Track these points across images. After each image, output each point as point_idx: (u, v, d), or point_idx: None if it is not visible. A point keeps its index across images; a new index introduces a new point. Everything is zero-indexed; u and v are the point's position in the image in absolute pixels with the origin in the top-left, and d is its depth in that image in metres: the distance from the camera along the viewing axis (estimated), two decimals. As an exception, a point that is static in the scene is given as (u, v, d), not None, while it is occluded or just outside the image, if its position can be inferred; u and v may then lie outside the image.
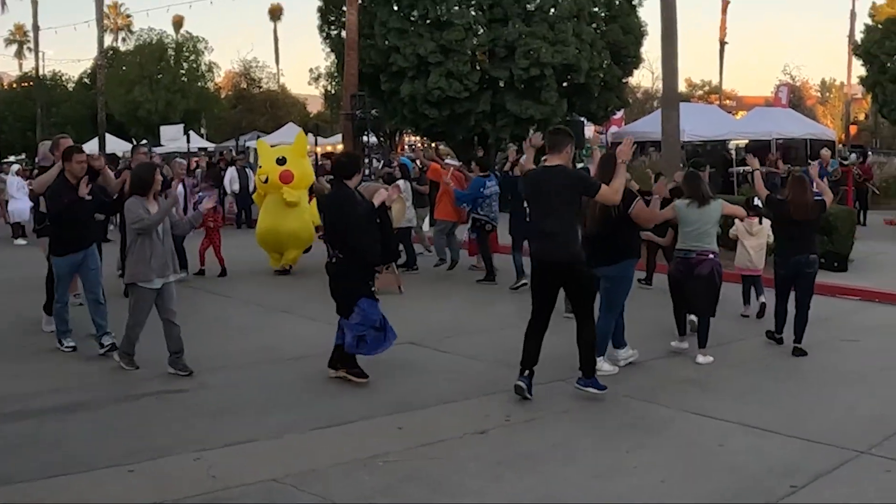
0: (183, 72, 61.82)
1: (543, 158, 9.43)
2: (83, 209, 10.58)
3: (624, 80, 37.46)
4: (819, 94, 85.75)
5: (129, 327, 9.79)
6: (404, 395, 8.97)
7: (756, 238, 13.49)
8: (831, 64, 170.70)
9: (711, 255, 10.81)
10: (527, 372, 8.93)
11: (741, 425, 8.18)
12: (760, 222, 13.43)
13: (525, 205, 12.67)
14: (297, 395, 9.04)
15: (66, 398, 8.80)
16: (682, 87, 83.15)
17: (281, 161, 16.53)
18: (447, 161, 20.34)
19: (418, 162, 21.09)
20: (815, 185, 11.92)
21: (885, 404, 9.05)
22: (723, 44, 74.11)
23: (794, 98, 65.98)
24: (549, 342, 10.73)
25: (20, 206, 25.45)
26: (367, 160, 32.15)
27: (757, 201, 13.19)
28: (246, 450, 7.40)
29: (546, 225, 8.91)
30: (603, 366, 9.81)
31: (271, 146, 18.95)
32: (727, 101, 74.63)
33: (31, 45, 73.24)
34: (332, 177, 10.41)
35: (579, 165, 14.18)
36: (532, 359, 8.96)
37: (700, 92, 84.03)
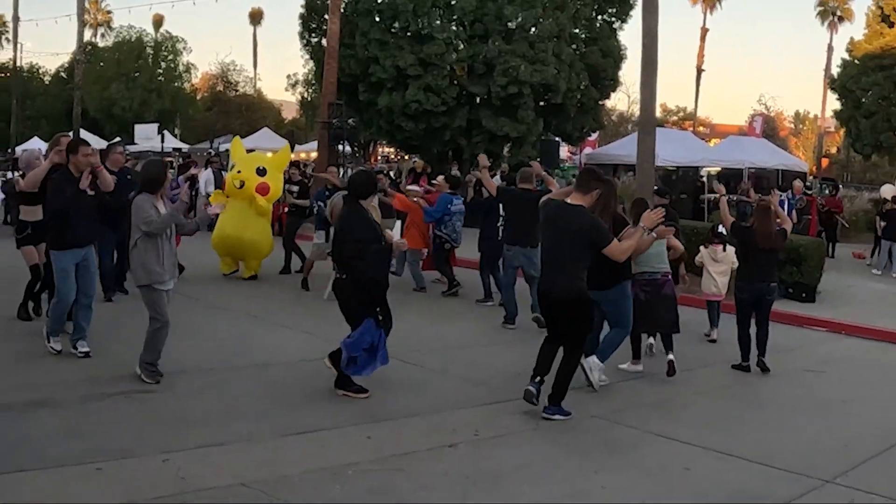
0: (160, 71, 61.73)
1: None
2: (86, 202, 10.52)
3: (601, 103, 37.67)
4: (793, 126, 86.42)
5: (155, 331, 9.51)
6: (373, 407, 8.97)
7: (720, 265, 13.64)
8: (806, 96, 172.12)
9: (669, 276, 11.28)
10: (538, 378, 9.06)
11: (707, 450, 8.25)
12: (724, 249, 13.56)
13: (505, 225, 12.92)
14: (265, 401, 9.01)
15: (32, 395, 8.71)
16: (657, 112, 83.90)
17: (261, 172, 16.24)
18: (410, 187, 20.19)
19: (385, 181, 20.97)
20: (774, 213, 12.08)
21: (849, 435, 9.17)
22: (700, 71, 74.75)
23: (768, 128, 66.41)
24: (512, 360, 10.85)
25: (-9, 198, 25.31)
26: (341, 169, 32.14)
27: (721, 228, 13.34)
28: (215, 453, 7.38)
29: (555, 258, 9.10)
30: (600, 376, 10.19)
31: (247, 151, 18.61)
32: (701, 128, 75.20)
33: (10, 36, 72.72)
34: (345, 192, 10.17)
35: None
36: (545, 367, 9.11)
37: (675, 118, 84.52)
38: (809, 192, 29.50)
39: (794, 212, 26.30)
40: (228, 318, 13.12)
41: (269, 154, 18.86)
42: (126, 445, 7.43)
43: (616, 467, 7.70)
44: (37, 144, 48.13)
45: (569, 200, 9.21)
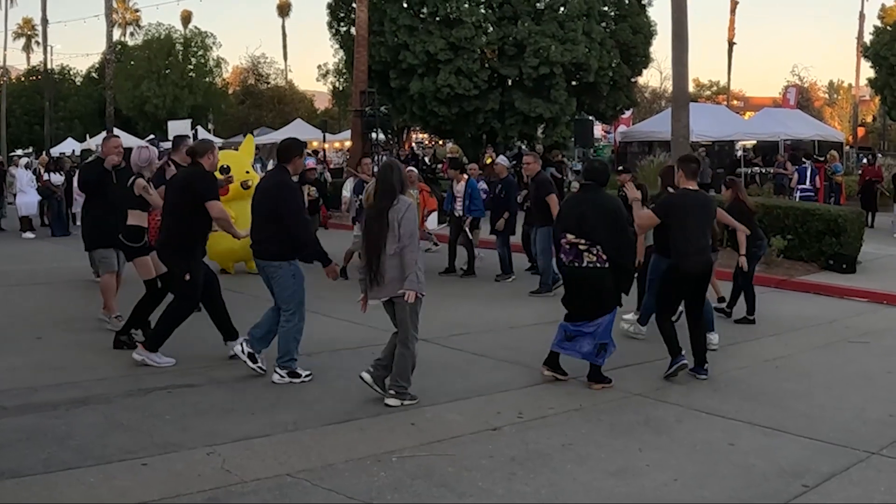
0: (191, 67, 62.05)
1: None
2: None
3: (633, 80, 37.57)
4: (827, 96, 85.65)
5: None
6: (417, 392, 8.95)
7: None
8: (839, 65, 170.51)
9: None
10: (683, 351, 9.85)
11: (751, 425, 8.20)
12: None
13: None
14: (309, 391, 9.04)
15: (76, 392, 8.80)
16: (690, 87, 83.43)
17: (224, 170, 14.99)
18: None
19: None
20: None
21: (894, 406, 9.05)
22: (731, 44, 74.11)
23: (802, 99, 65.86)
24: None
25: (28, 199, 25.57)
26: (375, 157, 32.18)
27: None
28: (259, 445, 7.41)
29: (701, 242, 10.00)
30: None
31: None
32: (735, 102, 74.62)
33: (39, 39, 73.45)
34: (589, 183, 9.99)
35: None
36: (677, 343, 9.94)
37: (708, 92, 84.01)
38: (819, 160, 29.42)
39: (816, 178, 26.32)
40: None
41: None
42: (171, 439, 7.48)
43: (660, 445, 7.67)
44: (71, 145, 48.64)
45: (691, 187, 10.13)
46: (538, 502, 6.40)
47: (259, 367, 9.47)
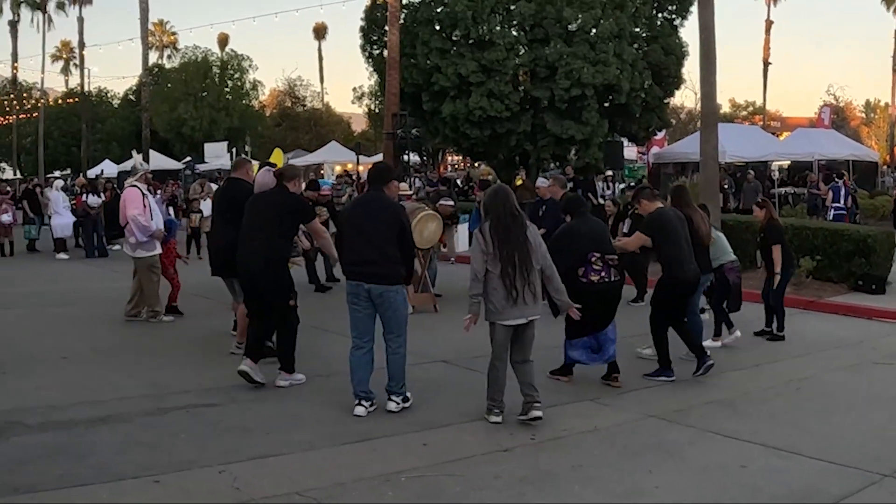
0: (227, 89, 62.41)
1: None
2: None
3: (665, 101, 37.44)
4: (864, 115, 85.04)
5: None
6: (433, 413, 9.03)
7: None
8: (876, 84, 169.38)
9: None
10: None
11: (765, 447, 8.16)
12: None
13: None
14: (327, 412, 9.10)
15: (97, 410, 8.92)
16: (725, 107, 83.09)
17: None
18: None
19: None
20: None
21: (915, 429, 8.99)
22: (766, 64, 73.92)
23: (838, 119, 65.52)
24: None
25: (63, 221, 25.86)
26: (407, 179, 32.26)
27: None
28: (271, 464, 7.48)
29: (689, 252, 10.75)
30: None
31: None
32: (771, 122, 74.21)
33: (77, 62, 74.19)
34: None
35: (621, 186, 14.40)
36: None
37: (744, 113, 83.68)
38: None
39: (850, 198, 26.39)
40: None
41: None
42: (185, 458, 7.57)
43: (671, 467, 7.66)
44: (108, 167, 49.06)
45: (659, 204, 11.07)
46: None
47: (402, 402, 9.19)
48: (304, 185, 10.82)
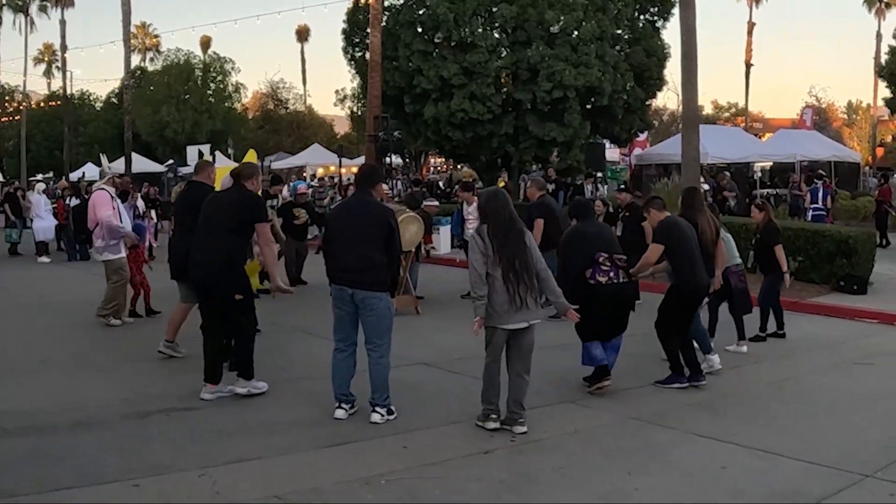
0: (210, 92, 62.25)
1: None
2: None
3: (647, 103, 37.65)
4: (846, 116, 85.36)
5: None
6: (413, 416, 9.00)
7: None
8: (858, 86, 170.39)
9: None
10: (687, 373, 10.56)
11: (747, 448, 8.16)
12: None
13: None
14: (307, 415, 9.07)
15: (76, 415, 8.88)
16: (708, 109, 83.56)
17: None
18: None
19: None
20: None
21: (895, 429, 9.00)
22: (748, 65, 74.16)
23: (820, 120, 65.81)
24: (559, 363, 10.83)
25: (45, 224, 25.80)
26: (390, 182, 32.25)
27: None
28: (251, 467, 7.45)
29: (700, 259, 10.66)
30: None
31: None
32: (754, 124, 74.57)
33: (60, 65, 74.00)
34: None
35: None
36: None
37: (727, 114, 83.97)
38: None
39: (828, 198, 26.57)
40: (276, 331, 13.19)
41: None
42: (165, 461, 7.54)
43: (652, 469, 7.64)
44: (91, 170, 48.85)
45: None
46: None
47: (387, 414, 8.98)
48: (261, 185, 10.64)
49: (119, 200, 14.42)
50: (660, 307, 10.72)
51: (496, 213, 8.71)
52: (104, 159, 16.60)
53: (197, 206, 10.62)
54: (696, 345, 11.18)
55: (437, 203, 18.73)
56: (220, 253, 9.51)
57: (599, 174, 33.96)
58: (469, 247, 8.76)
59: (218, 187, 12.59)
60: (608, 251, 10.03)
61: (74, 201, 25.69)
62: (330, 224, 9.41)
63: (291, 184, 26.21)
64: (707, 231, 11.27)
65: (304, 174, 53.00)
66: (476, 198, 17.86)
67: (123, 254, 14.07)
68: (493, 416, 8.63)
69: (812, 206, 26.30)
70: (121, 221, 13.90)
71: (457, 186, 36.70)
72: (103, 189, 14.14)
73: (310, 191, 25.74)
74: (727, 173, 32.13)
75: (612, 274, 9.91)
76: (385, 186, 18.32)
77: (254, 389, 9.68)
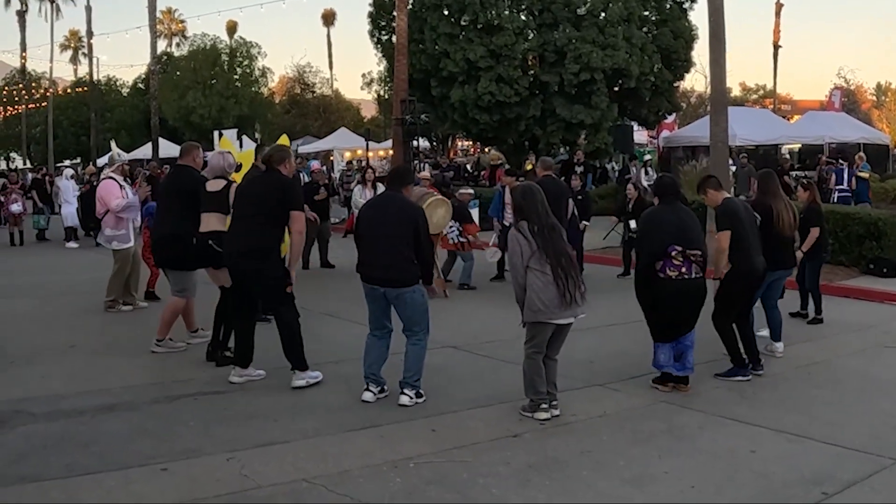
0: (236, 77, 62.36)
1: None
2: None
3: (675, 84, 37.44)
4: (875, 98, 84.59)
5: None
6: (441, 399, 9.01)
7: None
8: (888, 67, 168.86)
9: None
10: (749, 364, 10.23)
11: (776, 432, 8.11)
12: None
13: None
14: (334, 399, 9.07)
15: (104, 399, 8.94)
16: (736, 91, 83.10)
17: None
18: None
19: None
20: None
21: (927, 412, 8.91)
22: (776, 47, 73.50)
23: (849, 102, 65.26)
24: (588, 347, 10.79)
25: (72, 210, 25.88)
26: (417, 165, 32.19)
27: None
28: (279, 450, 7.47)
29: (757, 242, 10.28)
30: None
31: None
32: (782, 106, 73.93)
33: (86, 51, 74.27)
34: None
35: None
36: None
37: (754, 96, 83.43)
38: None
39: (853, 179, 26.37)
40: (305, 316, 13.17)
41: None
42: (193, 445, 7.57)
43: (681, 452, 7.61)
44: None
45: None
46: (552, 508, 6.38)
47: (416, 397, 8.98)
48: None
49: (128, 188, 14.40)
50: (716, 296, 10.29)
51: (535, 212, 8.60)
52: (114, 146, 16.61)
53: (183, 191, 10.63)
54: (764, 332, 11.25)
55: (471, 191, 18.67)
56: (255, 239, 9.36)
57: (648, 157, 33.86)
58: (509, 243, 8.63)
59: (245, 171, 12.60)
60: (684, 244, 9.38)
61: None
62: (359, 223, 9.37)
63: (305, 166, 26.02)
64: (785, 216, 11.02)
65: (332, 158, 53.03)
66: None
67: (132, 243, 14.11)
68: (545, 404, 8.51)
69: (837, 187, 26.13)
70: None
71: (484, 170, 36.69)
72: (111, 177, 14.15)
73: (337, 175, 25.70)
74: (744, 155, 31.90)
75: (683, 269, 9.35)
76: (427, 174, 18.20)
77: (311, 380, 9.55)
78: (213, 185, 10.54)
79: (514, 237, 8.55)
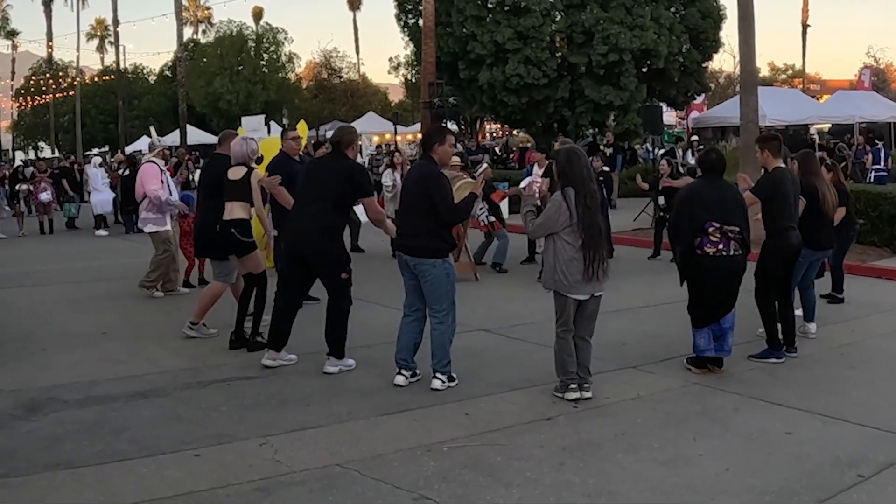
0: (263, 63, 62.55)
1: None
2: None
3: (704, 65, 37.21)
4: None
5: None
6: (474, 382, 8.98)
7: None
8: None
9: None
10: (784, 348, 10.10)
11: (810, 413, 8.05)
12: None
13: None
14: (365, 383, 9.07)
15: (136, 385, 8.97)
16: (764, 71, 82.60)
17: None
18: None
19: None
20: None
21: (959, 395, 8.82)
22: (805, 26, 73.04)
23: (879, 81, 64.76)
24: (619, 329, 10.75)
25: (103, 197, 25.98)
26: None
27: None
28: (311, 435, 7.46)
29: (796, 218, 10.09)
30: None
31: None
32: (811, 86, 73.45)
33: (112, 39, 74.57)
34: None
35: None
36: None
37: (783, 76, 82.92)
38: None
39: (889, 159, 26.28)
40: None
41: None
42: (225, 430, 7.57)
43: (715, 434, 7.56)
44: (146, 143, 49.28)
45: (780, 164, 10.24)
46: (585, 492, 6.33)
47: (448, 381, 8.94)
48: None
49: (168, 174, 14.46)
50: (756, 272, 10.14)
51: (579, 175, 8.45)
52: (153, 132, 16.76)
53: (221, 178, 10.63)
54: (798, 313, 10.95)
55: (485, 164, 18.47)
56: (319, 222, 9.30)
57: (695, 138, 33.60)
58: (551, 206, 8.43)
59: (268, 159, 12.60)
60: (721, 221, 9.20)
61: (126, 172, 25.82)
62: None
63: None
64: (828, 196, 10.82)
65: (360, 142, 53.07)
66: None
67: (168, 226, 14.15)
68: (574, 385, 8.46)
69: (874, 167, 25.97)
70: (170, 194, 13.98)
71: (514, 150, 36.59)
72: (153, 162, 14.24)
73: (365, 159, 25.70)
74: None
75: (721, 245, 9.18)
76: (457, 160, 17.96)
77: (345, 367, 9.54)
78: (235, 173, 10.52)
79: (559, 203, 8.37)
